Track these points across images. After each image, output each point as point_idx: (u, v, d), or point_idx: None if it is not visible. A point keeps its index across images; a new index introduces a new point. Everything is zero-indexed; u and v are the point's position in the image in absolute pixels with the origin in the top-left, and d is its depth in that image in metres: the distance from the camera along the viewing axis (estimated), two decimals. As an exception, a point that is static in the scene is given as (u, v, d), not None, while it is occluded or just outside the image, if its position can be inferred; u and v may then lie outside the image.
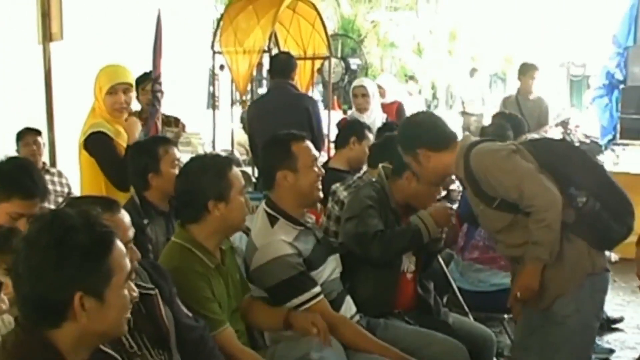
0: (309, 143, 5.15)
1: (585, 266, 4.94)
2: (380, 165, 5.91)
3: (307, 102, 9.20)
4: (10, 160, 5.01)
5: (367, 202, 5.55)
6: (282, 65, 9.34)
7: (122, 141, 6.60)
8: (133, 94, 6.85)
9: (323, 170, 5.26)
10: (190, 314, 4.12)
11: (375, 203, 5.55)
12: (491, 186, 4.93)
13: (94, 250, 2.67)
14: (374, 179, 5.87)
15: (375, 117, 10.26)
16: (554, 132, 12.69)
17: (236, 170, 4.66)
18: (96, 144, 6.53)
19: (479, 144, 5.11)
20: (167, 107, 8.15)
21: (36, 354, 2.62)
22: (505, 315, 6.84)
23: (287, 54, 10.42)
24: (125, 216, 3.63)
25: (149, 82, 7.93)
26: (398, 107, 11.40)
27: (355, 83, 11.20)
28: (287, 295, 4.89)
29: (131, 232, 3.65)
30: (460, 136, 5.34)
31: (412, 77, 20.00)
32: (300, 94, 9.61)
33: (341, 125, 9.68)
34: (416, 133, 5.24)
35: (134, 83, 6.88)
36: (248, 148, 11.71)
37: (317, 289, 4.93)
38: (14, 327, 2.72)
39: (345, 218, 5.61)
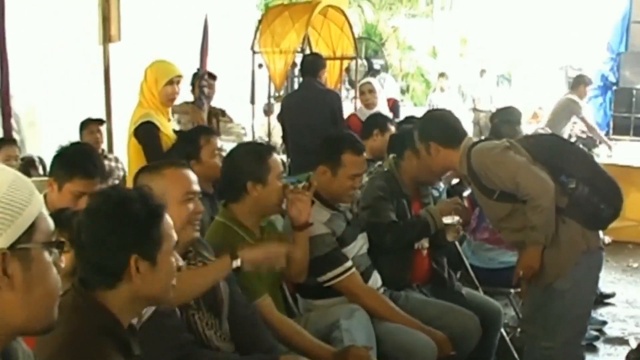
0: (357, 157, 5.11)
1: (580, 245, 4.91)
2: (390, 156, 5.89)
3: (331, 98, 9.46)
4: (72, 145, 5.04)
5: (379, 193, 5.53)
6: (310, 64, 9.52)
7: (167, 131, 6.59)
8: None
9: (358, 183, 5.23)
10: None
11: (387, 193, 5.53)
12: (490, 180, 4.93)
13: (147, 218, 2.69)
14: (386, 169, 5.84)
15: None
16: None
17: (276, 157, 4.63)
18: (145, 133, 6.52)
19: (478, 143, 5.10)
20: (213, 100, 8.18)
21: (91, 315, 2.63)
22: (512, 290, 6.80)
23: (315, 54, 10.48)
24: (191, 173, 3.90)
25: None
26: (393, 104, 11.31)
27: (363, 81, 11.04)
28: (322, 269, 4.90)
29: (197, 186, 3.86)
30: (470, 132, 5.37)
31: (442, 74, 19.81)
32: (325, 90, 9.72)
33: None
34: (434, 127, 5.23)
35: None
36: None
37: (349, 263, 4.93)
38: (69, 292, 2.70)
39: (361, 207, 5.57)
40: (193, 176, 3.89)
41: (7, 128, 8.12)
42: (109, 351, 2.53)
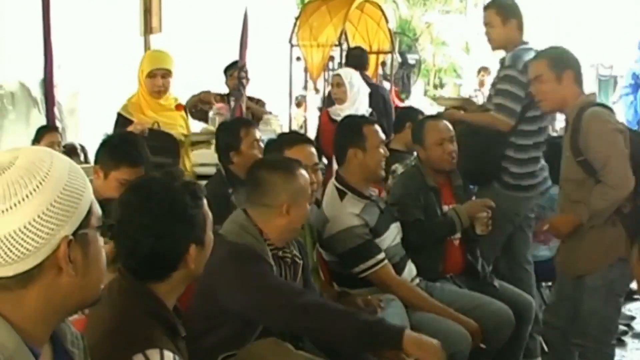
0: (377, 127, 5.19)
1: (620, 251, 4.85)
2: (415, 152, 5.93)
3: (383, 91, 9.41)
4: (117, 134, 5.09)
5: (404, 190, 5.57)
6: (358, 58, 9.55)
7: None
8: (172, 79, 6.68)
9: (387, 152, 5.27)
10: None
11: (412, 189, 5.52)
12: (586, 144, 4.88)
13: (194, 204, 2.71)
14: (413, 163, 5.85)
15: (357, 109, 8.38)
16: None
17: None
18: (116, 121, 6.55)
19: (599, 107, 5.07)
20: (251, 91, 8.20)
21: (139, 300, 2.65)
22: (543, 284, 6.79)
23: (361, 48, 10.49)
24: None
25: (235, 70, 7.95)
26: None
27: (333, 73, 10.48)
28: (355, 261, 4.92)
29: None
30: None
31: (485, 69, 19.64)
32: (375, 83, 9.67)
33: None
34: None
35: (173, 70, 6.69)
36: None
37: (382, 255, 4.93)
38: (116, 277, 2.74)
39: (390, 202, 5.57)
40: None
41: (51, 116, 8.16)
42: (159, 335, 2.56)
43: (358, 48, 10.65)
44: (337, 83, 8.71)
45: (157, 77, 6.52)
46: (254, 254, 3.72)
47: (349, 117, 5.66)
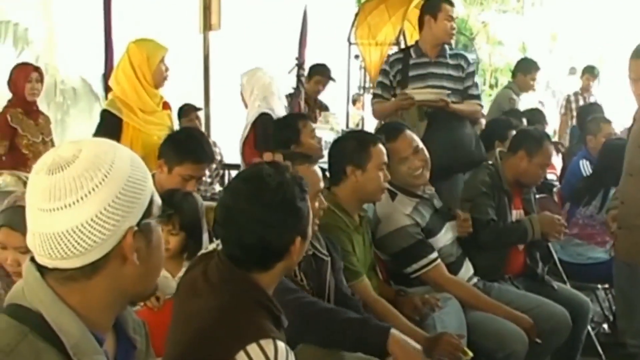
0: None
1: None
2: (497, 150, 5.88)
3: None
4: (183, 130, 5.12)
5: (482, 188, 5.51)
6: None
7: (137, 120, 5.94)
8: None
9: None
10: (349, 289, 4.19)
11: (489, 189, 5.51)
12: None
13: (302, 197, 2.75)
14: (490, 162, 5.81)
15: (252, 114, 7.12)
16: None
17: (380, 147, 4.61)
18: (102, 117, 6.08)
19: None
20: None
21: (245, 289, 2.67)
22: (599, 286, 6.75)
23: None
24: (318, 170, 3.94)
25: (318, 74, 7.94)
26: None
27: None
28: (407, 261, 4.91)
29: (322, 184, 3.92)
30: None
31: (591, 69, 19.40)
32: None
33: None
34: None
35: None
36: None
37: (434, 255, 4.91)
38: (215, 265, 2.75)
39: (461, 198, 5.55)
40: (320, 174, 3.96)
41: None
42: (270, 325, 2.58)
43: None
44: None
45: (162, 64, 6.06)
46: None
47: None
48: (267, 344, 2.46)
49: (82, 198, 1.89)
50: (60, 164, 1.91)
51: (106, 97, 8.11)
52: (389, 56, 6.62)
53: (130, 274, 2.01)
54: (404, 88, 6.26)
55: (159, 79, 6.06)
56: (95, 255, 1.93)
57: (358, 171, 4.54)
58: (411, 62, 6.36)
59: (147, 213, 2.02)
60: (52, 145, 7.80)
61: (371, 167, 4.54)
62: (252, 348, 2.44)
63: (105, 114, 6.01)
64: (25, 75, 7.61)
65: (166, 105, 6.27)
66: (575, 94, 12.89)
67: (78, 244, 1.90)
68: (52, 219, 1.89)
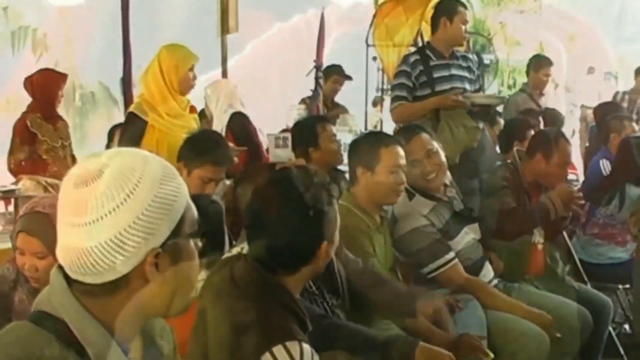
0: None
1: None
2: (515, 149, 5.88)
3: None
4: (202, 132, 5.11)
5: (503, 182, 5.54)
6: None
7: (165, 124, 5.92)
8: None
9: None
10: (355, 257, 4.14)
11: (510, 183, 5.53)
12: None
13: (330, 202, 2.79)
14: (509, 160, 5.80)
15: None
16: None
17: (393, 149, 4.55)
18: (127, 120, 6.19)
19: None
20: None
21: (273, 293, 2.69)
22: (620, 286, 6.71)
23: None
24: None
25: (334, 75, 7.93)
26: None
27: None
28: (424, 261, 4.88)
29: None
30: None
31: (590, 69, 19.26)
32: None
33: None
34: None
35: None
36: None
37: (451, 255, 4.87)
38: (243, 268, 2.77)
39: (483, 194, 5.55)
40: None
41: (129, 114, 8.26)
42: (296, 327, 2.60)
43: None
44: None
45: (191, 72, 5.97)
46: None
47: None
48: (292, 345, 2.48)
49: (101, 218, 1.83)
50: (86, 178, 1.86)
51: (125, 102, 8.16)
52: (405, 57, 6.60)
53: (153, 293, 1.94)
54: (432, 90, 6.31)
55: (185, 87, 5.99)
56: (112, 276, 1.88)
57: (367, 173, 4.52)
58: (431, 63, 6.35)
59: (176, 232, 1.93)
60: (71, 149, 7.85)
61: (380, 169, 4.50)
62: (278, 350, 2.46)
63: (130, 116, 6.02)
64: (58, 84, 7.69)
65: (193, 109, 6.23)
66: (624, 92, 12.63)
67: (95, 262, 1.85)
68: (72, 233, 1.86)
